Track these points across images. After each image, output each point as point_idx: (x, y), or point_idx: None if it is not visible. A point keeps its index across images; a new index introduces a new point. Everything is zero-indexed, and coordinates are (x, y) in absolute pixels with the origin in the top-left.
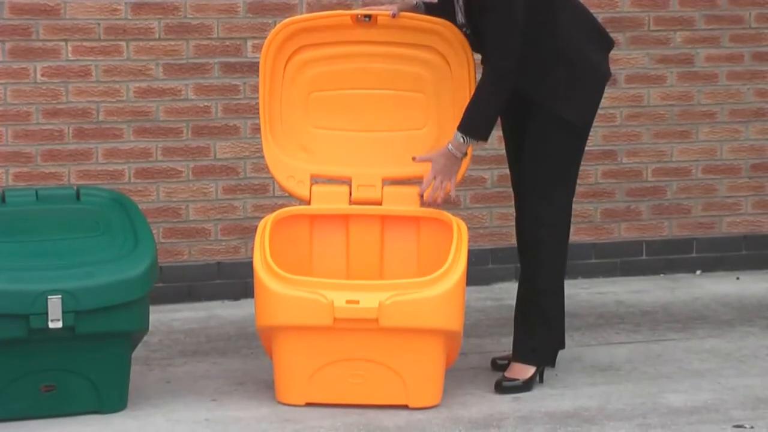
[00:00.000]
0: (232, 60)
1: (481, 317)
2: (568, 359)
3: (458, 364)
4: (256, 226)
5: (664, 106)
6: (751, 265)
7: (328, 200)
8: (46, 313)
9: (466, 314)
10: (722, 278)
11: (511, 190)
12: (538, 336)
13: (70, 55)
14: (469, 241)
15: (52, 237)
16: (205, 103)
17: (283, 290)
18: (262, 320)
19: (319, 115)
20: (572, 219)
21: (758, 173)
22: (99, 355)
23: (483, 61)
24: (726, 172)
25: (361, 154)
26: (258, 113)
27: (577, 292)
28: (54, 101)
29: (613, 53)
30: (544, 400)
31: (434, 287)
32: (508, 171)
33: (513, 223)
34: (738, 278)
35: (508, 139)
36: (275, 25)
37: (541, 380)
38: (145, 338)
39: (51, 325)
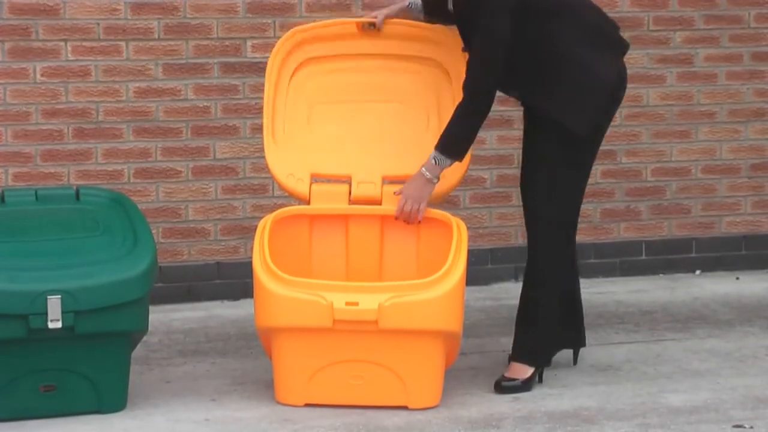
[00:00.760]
0: (232, 60)
1: (481, 317)
2: (567, 359)
3: (458, 364)
4: (256, 226)
5: (663, 106)
6: (750, 265)
7: (328, 199)
8: (46, 313)
9: (466, 314)
10: (722, 278)
11: (509, 190)
12: (534, 336)
13: (69, 55)
14: (468, 242)
15: (51, 237)
16: (205, 103)
17: (282, 291)
18: (261, 321)
19: (321, 117)
20: None
21: (758, 173)
22: (98, 355)
23: (463, 49)
24: (725, 172)
25: (362, 151)
26: (259, 113)
27: None
28: (53, 101)
29: None
30: (544, 399)
31: (434, 289)
32: (506, 171)
33: (512, 223)
34: (738, 278)
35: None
36: (275, 25)
37: (540, 380)
38: (145, 338)
39: (50, 325)
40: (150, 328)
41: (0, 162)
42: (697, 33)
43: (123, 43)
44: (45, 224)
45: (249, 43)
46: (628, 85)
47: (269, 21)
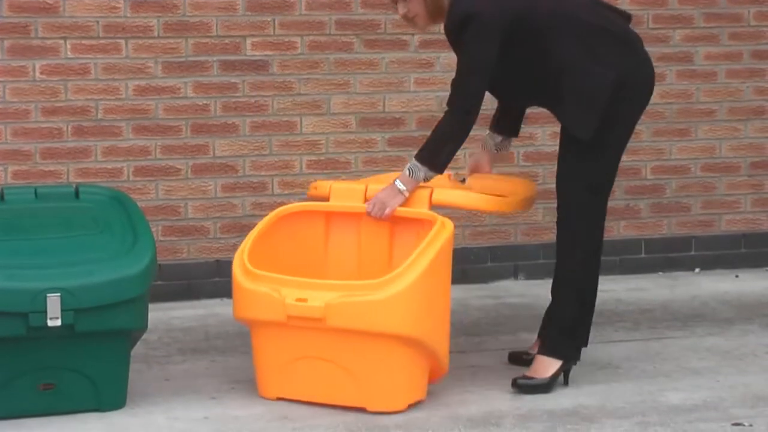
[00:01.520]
0: (231, 58)
1: (480, 315)
2: None
3: (458, 362)
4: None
5: (663, 104)
6: (750, 263)
7: (345, 197)
8: (45, 311)
9: (464, 313)
10: (721, 276)
11: None
12: (558, 333)
13: (69, 53)
14: (451, 242)
15: (51, 235)
16: (204, 101)
17: (248, 285)
18: (234, 312)
19: None
20: None
21: (757, 171)
22: (98, 353)
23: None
24: (725, 170)
25: None
26: (258, 111)
27: None
28: (53, 99)
29: None
30: (543, 397)
31: (382, 290)
32: (507, 169)
33: (512, 221)
34: (737, 276)
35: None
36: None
37: (566, 382)
38: (144, 336)
39: (50, 323)
40: (149, 326)
41: None
42: (697, 31)
43: (122, 41)
44: (44, 222)
45: (249, 41)
46: None
47: (269, 19)
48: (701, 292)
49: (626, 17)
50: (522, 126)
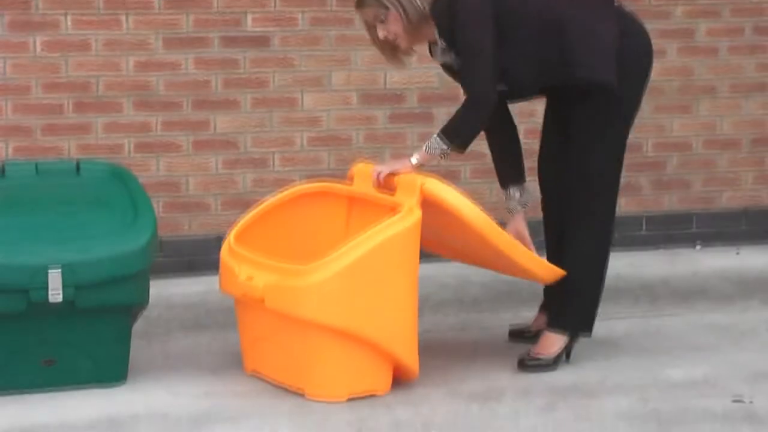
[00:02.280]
0: (232, 33)
1: (480, 291)
2: None
3: (458, 338)
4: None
5: (664, 80)
6: (750, 240)
7: (366, 179)
8: (46, 287)
9: (464, 289)
10: (722, 252)
11: None
12: (577, 305)
13: (69, 27)
14: (418, 232)
15: (52, 210)
16: (205, 77)
17: (225, 259)
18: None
19: None
20: None
21: (759, 147)
22: (99, 329)
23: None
24: (726, 146)
25: None
26: (259, 87)
27: None
28: (54, 74)
29: None
30: (544, 373)
31: (308, 276)
32: None
33: None
34: (738, 252)
35: (551, 132)
36: None
37: (568, 358)
38: (145, 312)
39: (51, 298)
40: (150, 302)
41: (0, 135)
42: (699, 6)
43: (123, 16)
44: (45, 198)
45: (249, 16)
46: None
47: None
48: (702, 269)
49: None
50: (520, 128)
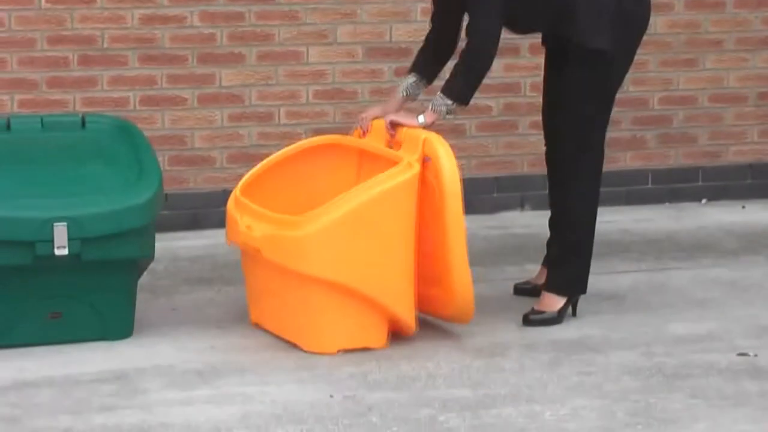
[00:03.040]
0: None
1: (486, 246)
2: None
3: None
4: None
5: (670, 34)
6: (756, 194)
7: (380, 135)
8: (52, 241)
9: (470, 244)
10: (728, 207)
11: (515, 118)
12: (571, 266)
13: None
14: (415, 186)
15: (57, 164)
16: (211, 30)
17: (231, 209)
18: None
19: None
20: None
21: (765, 102)
22: (105, 283)
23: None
24: (732, 101)
25: None
26: (265, 40)
27: None
28: (59, 28)
29: None
30: (549, 328)
31: (301, 227)
32: (513, 100)
33: (518, 151)
34: (743, 207)
35: (549, 84)
36: None
37: (574, 313)
38: (151, 266)
39: (57, 252)
40: (156, 256)
41: (5, 89)
42: None
43: None
44: (51, 152)
45: None
46: None
47: None
48: (707, 223)
49: None
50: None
